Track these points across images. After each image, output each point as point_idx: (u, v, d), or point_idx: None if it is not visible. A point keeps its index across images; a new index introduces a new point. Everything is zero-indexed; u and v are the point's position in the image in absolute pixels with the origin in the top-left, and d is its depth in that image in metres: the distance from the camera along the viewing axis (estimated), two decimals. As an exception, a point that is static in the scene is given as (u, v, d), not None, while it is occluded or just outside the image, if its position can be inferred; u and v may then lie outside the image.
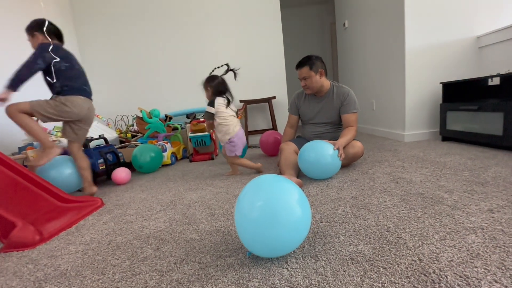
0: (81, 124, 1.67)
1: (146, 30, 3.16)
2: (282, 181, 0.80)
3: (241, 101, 3.16)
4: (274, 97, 3.16)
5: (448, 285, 0.62)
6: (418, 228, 0.89)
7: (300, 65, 1.73)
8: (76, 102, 1.58)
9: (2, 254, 1.03)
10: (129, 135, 2.77)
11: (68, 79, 1.57)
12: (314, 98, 1.85)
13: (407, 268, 0.70)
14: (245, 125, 3.11)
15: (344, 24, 3.64)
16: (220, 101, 1.73)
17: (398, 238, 0.84)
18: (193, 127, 2.56)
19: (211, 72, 1.82)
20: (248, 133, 3.17)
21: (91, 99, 1.73)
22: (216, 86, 1.75)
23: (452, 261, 0.71)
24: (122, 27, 3.14)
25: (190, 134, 2.59)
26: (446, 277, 0.65)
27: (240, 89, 3.31)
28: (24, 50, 2.42)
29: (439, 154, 1.85)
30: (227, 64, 1.79)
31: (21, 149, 2.08)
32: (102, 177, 2.08)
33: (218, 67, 1.83)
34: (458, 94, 2.24)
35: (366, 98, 3.24)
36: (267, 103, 3.20)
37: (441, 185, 1.26)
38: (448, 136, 2.25)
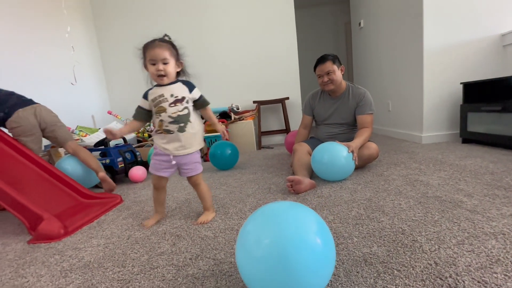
0: (47, 129, 1.68)
1: (162, 31, 3.25)
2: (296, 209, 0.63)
3: (254, 102, 3.18)
4: (287, 98, 3.16)
5: (465, 290, 0.61)
6: (434, 232, 0.87)
7: (323, 60, 1.72)
8: (19, 117, 1.56)
9: (31, 245, 1.10)
10: (146, 134, 2.86)
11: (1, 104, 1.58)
12: (329, 99, 1.84)
13: (422, 271, 0.69)
14: (258, 126, 3.13)
15: (359, 24, 3.58)
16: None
17: (413, 241, 0.83)
18: (207, 127, 2.60)
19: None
20: (261, 134, 3.19)
21: (31, 104, 1.66)
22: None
23: (470, 266, 0.69)
24: (139, 30, 3.25)
25: (204, 134, 2.64)
26: (463, 281, 0.63)
27: (253, 90, 3.34)
28: (58, 61, 2.58)
29: (459, 157, 1.78)
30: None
31: (46, 147, 2.20)
32: (121, 175, 2.16)
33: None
34: (480, 94, 2.15)
35: (382, 99, 3.18)
36: (281, 104, 3.21)
37: (460, 189, 1.22)
38: (468, 138, 2.17)
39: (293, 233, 0.56)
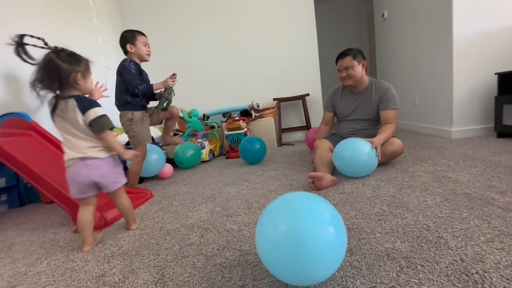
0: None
1: (182, 33, 3.37)
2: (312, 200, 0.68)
3: (274, 99, 3.20)
4: (307, 94, 3.14)
5: (493, 286, 0.60)
6: (462, 229, 0.86)
7: (342, 55, 1.71)
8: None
9: (77, 234, 1.24)
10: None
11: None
12: (351, 94, 1.82)
13: (447, 267, 0.69)
14: (278, 123, 3.15)
15: (383, 15, 3.45)
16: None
17: (438, 238, 0.82)
18: (229, 125, 2.68)
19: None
20: (282, 131, 3.20)
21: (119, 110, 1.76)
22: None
23: (499, 263, 0.68)
24: (162, 30, 3.38)
25: (226, 132, 2.72)
26: (491, 278, 0.63)
27: (273, 87, 3.36)
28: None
29: (492, 152, 1.69)
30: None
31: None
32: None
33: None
34: (518, 85, 2.00)
35: (408, 92, 3.05)
36: (301, 101, 3.20)
37: (493, 186, 1.17)
38: (504, 132, 2.03)
39: (306, 219, 0.62)
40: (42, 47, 0.97)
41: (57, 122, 1.03)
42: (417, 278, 0.67)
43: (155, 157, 2.00)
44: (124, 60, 1.66)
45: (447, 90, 2.30)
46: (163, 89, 1.79)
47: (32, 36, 0.96)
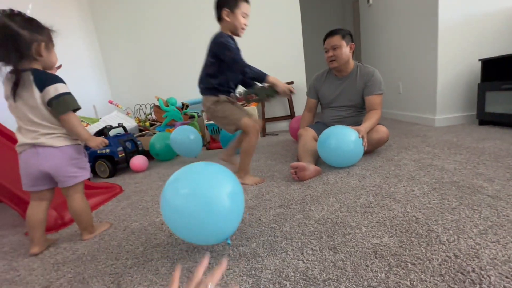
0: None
1: (160, 19, 3.13)
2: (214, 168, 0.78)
3: (257, 88, 3.07)
4: (292, 82, 3.03)
5: (492, 287, 0.53)
6: (452, 220, 0.79)
7: (331, 33, 1.60)
8: None
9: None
10: (147, 123, 2.81)
11: None
12: (335, 79, 1.72)
13: (440, 265, 0.62)
14: (262, 113, 3.03)
15: (368, 1, 3.36)
16: None
17: (429, 231, 0.75)
18: (209, 114, 2.53)
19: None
20: (266, 120, 3.09)
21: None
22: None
23: (495, 258, 0.61)
24: (139, 18, 3.13)
25: (206, 122, 2.57)
26: (489, 277, 0.56)
27: (257, 75, 3.21)
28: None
29: (476, 139, 1.66)
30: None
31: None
32: (122, 165, 2.13)
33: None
34: (501, 72, 1.99)
35: (392, 80, 3.01)
36: (285, 89, 3.08)
37: (480, 173, 1.12)
38: (486, 119, 2.03)
39: (207, 184, 0.72)
40: None
41: (14, 103, 0.86)
42: (408, 279, 0.59)
43: (192, 137, 2.01)
44: (220, 36, 1.29)
45: (431, 77, 2.26)
46: (265, 85, 1.35)
47: None
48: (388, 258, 0.66)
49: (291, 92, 1.30)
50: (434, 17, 2.12)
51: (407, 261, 0.64)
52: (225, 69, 1.33)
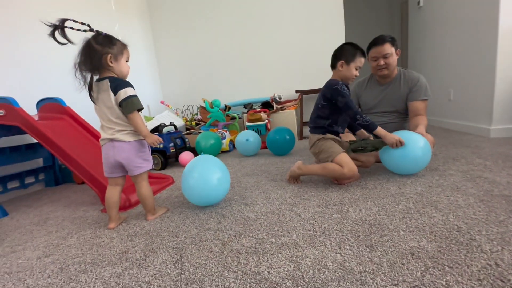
0: None
1: (208, 31, 3.39)
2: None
3: (297, 91, 3.14)
4: (332, 87, 3.03)
5: (532, 295, 0.55)
6: (498, 232, 0.79)
7: (380, 41, 1.58)
8: None
9: (104, 214, 1.31)
10: (193, 123, 3.06)
11: None
12: (377, 85, 1.72)
13: (479, 271, 0.64)
14: (300, 116, 3.09)
15: (418, 3, 3.21)
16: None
17: (470, 240, 0.76)
18: (250, 116, 2.67)
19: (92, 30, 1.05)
20: (303, 124, 3.14)
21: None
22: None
23: (541, 271, 0.61)
24: (190, 29, 3.43)
25: (246, 123, 2.72)
26: (531, 286, 0.57)
27: (296, 79, 3.29)
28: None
29: (538, 153, 1.53)
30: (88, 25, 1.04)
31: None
32: (172, 159, 2.38)
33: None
34: None
35: (442, 86, 2.84)
36: (324, 93, 3.10)
37: (537, 189, 1.06)
38: (554, 132, 1.83)
39: (207, 169, 1.20)
40: (84, 30, 1.02)
41: (97, 105, 1.08)
42: (444, 279, 0.62)
43: (252, 139, 2.25)
44: (336, 83, 1.34)
45: (488, 84, 2.10)
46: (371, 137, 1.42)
47: (75, 21, 1.00)
48: (425, 259, 0.70)
49: (401, 144, 1.28)
50: (494, 22, 1.98)
51: (444, 264, 0.67)
52: (336, 112, 1.39)
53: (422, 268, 0.67)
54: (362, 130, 1.50)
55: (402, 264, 0.69)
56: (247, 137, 2.27)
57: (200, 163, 1.21)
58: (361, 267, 0.70)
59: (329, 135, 1.41)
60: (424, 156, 1.31)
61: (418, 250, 0.74)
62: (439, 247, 0.75)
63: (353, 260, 0.73)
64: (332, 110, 1.39)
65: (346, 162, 1.28)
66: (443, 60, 2.80)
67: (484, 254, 0.70)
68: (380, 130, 1.30)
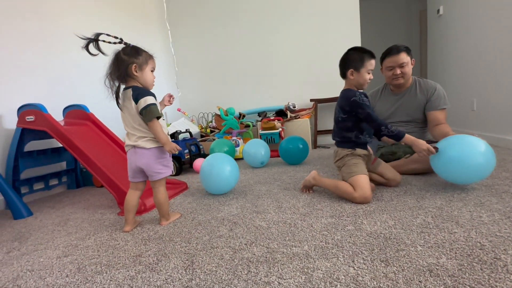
0: None
1: (225, 42, 3.49)
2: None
3: (311, 100, 3.13)
4: (347, 96, 3.00)
5: None
6: (526, 252, 0.73)
7: (396, 50, 1.56)
8: None
9: (121, 217, 1.35)
10: (208, 130, 3.12)
11: None
12: (391, 95, 1.69)
13: (504, 293, 0.60)
14: (314, 125, 3.07)
15: (438, 11, 3.15)
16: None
17: (495, 259, 0.72)
18: (264, 124, 2.69)
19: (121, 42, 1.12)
20: (318, 132, 3.12)
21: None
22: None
23: None
24: (207, 39, 3.54)
25: (260, 132, 2.73)
26: None
27: (311, 87, 3.28)
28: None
29: None
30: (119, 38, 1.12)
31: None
32: (186, 165, 2.42)
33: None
34: None
35: (464, 96, 2.73)
36: (339, 102, 3.07)
37: None
38: None
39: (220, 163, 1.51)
40: (118, 43, 1.10)
41: (123, 112, 1.14)
42: (465, 300, 0.59)
43: (262, 153, 2.17)
44: (353, 94, 1.26)
45: (515, 94, 2.00)
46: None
47: (109, 35, 1.08)
48: (444, 278, 0.67)
49: (431, 153, 1.21)
50: (520, 28, 1.90)
51: (465, 284, 0.64)
52: (358, 121, 1.31)
53: (442, 287, 0.63)
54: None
55: (419, 281, 0.66)
56: (262, 160, 2.19)
57: (217, 156, 1.56)
58: (375, 282, 0.67)
59: (359, 151, 1.32)
60: (487, 163, 1.15)
61: (437, 267, 0.71)
62: (460, 265, 0.71)
63: (366, 274, 0.71)
64: (354, 121, 1.31)
65: (360, 186, 1.20)
66: (465, 69, 2.71)
67: (510, 275, 0.65)
68: (408, 138, 1.22)
